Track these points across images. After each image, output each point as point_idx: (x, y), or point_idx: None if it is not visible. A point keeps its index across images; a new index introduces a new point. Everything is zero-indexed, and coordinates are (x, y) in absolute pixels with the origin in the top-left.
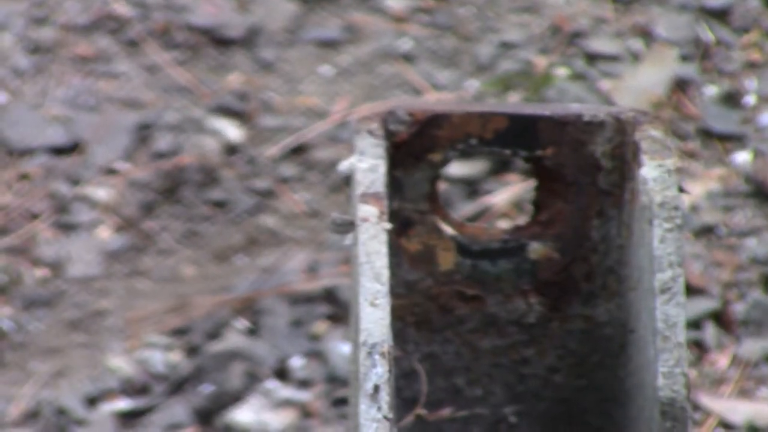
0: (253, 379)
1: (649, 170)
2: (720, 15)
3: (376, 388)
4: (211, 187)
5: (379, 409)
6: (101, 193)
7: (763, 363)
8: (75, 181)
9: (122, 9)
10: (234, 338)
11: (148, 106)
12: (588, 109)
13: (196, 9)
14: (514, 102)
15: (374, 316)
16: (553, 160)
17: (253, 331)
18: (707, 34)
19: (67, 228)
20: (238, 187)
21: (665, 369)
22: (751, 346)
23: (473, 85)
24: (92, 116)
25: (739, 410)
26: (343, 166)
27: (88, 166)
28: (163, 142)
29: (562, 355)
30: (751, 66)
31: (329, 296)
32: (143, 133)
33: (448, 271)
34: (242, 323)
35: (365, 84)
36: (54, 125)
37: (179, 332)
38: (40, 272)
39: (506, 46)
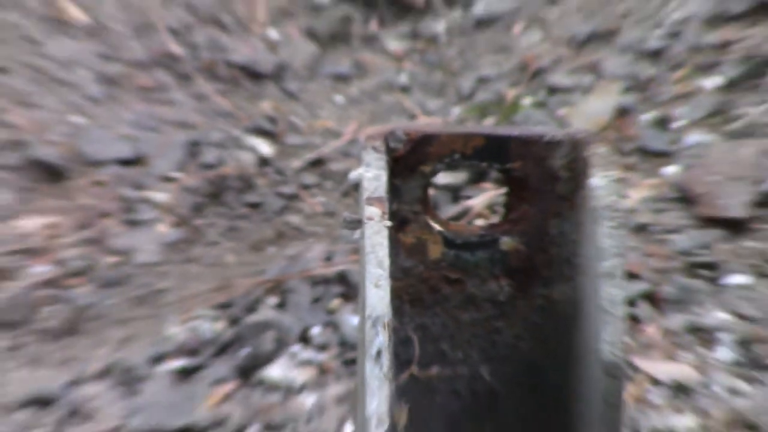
0: (281, 344)
1: (597, 180)
2: (655, 55)
3: (379, 353)
4: (247, 192)
5: (381, 368)
6: (160, 196)
7: (684, 333)
8: (138, 187)
9: (176, 48)
10: (266, 312)
11: (197, 127)
12: (548, 131)
13: (235, 49)
14: (489, 125)
15: (377, 296)
16: (520, 171)
17: (281, 306)
18: (645, 71)
19: (132, 224)
20: (269, 192)
21: (608, 337)
22: (675, 320)
23: (456, 111)
24: (152, 135)
25: (664, 370)
26: (353, 175)
27: (149, 175)
28: (209, 155)
29: (526, 326)
30: (679, 97)
31: (342, 279)
32: (193, 148)
33: (436, 260)
34: (273, 300)
35: (370, 110)
36: (122, 142)
37: (223, 306)
38: (112, 259)
39: (483, 81)
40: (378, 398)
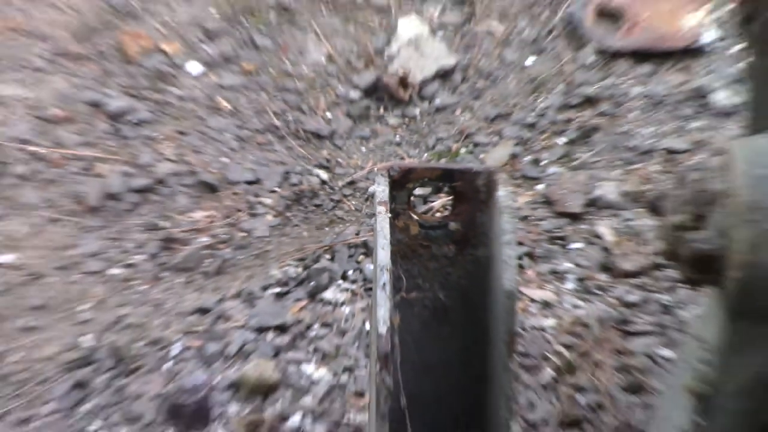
0: (331, 279)
1: (500, 192)
2: (531, 126)
3: (384, 285)
4: (314, 198)
5: (385, 293)
6: (268, 200)
7: (548, 274)
8: (257, 195)
9: (277, 122)
10: (324, 262)
11: (288, 164)
12: (474, 166)
13: (308, 122)
14: (443, 163)
15: (383, 254)
16: (460, 188)
17: (331, 259)
18: (526, 134)
19: (253, 215)
20: (326, 199)
21: (507, 277)
22: (543, 267)
23: (426, 156)
24: (264, 168)
25: (538, 295)
26: (371, 189)
27: (262, 189)
28: (294, 179)
29: (464, 271)
30: (544, 148)
31: (365, 245)
32: (286, 175)
33: (415, 235)
34: (327, 256)
35: (380, 155)
36: (248, 172)
37: (301, 259)
38: (241, 234)
39: (439, 140)
40: (383, 309)
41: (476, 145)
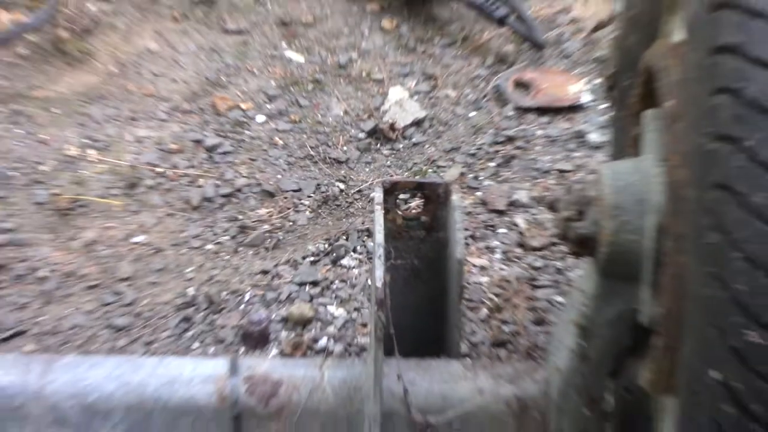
0: (346, 252)
1: (454, 197)
2: (473, 155)
3: (380, 255)
4: (335, 201)
5: (381, 260)
6: (306, 201)
7: (484, 248)
8: (299, 199)
9: (313, 153)
10: (342, 241)
11: (319, 179)
12: (438, 180)
13: (332, 152)
14: (418, 179)
15: (379, 236)
16: (428, 194)
17: (347, 239)
18: (470, 160)
19: (296, 211)
20: (342, 201)
21: (458, 250)
22: (480, 244)
23: (406, 174)
24: (304, 181)
25: (477, 263)
26: (372, 195)
27: (303, 195)
28: (323, 188)
29: (430, 247)
30: (480, 168)
31: (368, 230)
32: (318, 186)
33: (400, 224)
34: (343, 237)
35: (377, 174)
36: (294, 183)
37: (327, 239)
38: (289, 223)
39: (415, 164)
40: (379, 271)
41: (438, 167)
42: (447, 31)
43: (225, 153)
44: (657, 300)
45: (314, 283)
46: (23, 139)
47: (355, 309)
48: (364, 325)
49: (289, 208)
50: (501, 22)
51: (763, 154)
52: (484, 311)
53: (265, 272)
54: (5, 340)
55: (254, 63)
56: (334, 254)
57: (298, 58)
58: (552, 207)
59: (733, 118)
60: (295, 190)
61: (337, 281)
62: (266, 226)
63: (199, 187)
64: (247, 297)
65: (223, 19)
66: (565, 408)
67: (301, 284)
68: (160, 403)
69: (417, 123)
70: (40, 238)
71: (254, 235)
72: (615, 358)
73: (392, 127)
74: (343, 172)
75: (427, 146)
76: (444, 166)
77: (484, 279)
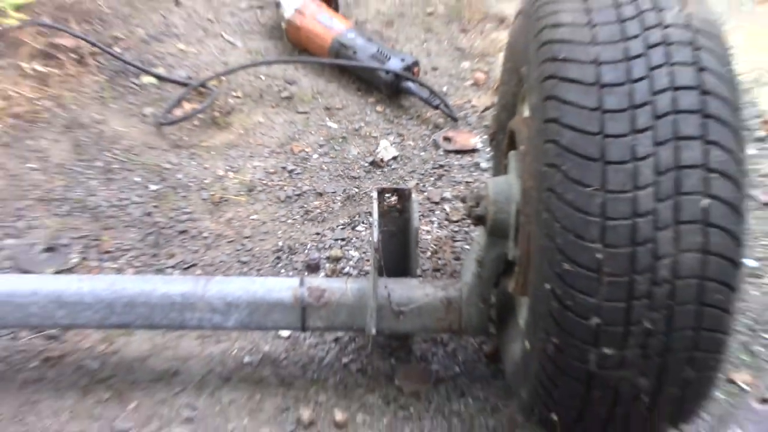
0: (359, 223)
1: (413, 196)
2: (422, 175)
3: (376, 226)
4: (354, 198)
5: (377, 229)
6: (338, 198)
7: (428, 221)
8: (334, 197)
9: (341, 173)
10: (357, 218)
11: (345, 187)
12: (405, 187)
13: (351, 173)
14: (395, 186)
15: (375, 215)
16: (400, 194)
17: (359, 218)
18: (420, 177)
19: (333, 203)
20: (357, 198)
21: (415, 222)
22: (426, 219)
23: (388, 184)
24: (336, 187)
25: (423, 228)
26: (372, 194)
27: (336, 195)
28: (347, 192)
29: (402, 221)
30: (426, 182)
31: (370, 213)
32: (344, 191)
33: (386, 210)
34: (357, 217)
35: (375, 184)
36: (330, 189)
37: (350, 217)
38: (329, 209)
39: (393, 179)
40: (376, 233)
41: (405, 180)
42: (409, 112)
43: (297, 173)
44: (517, 247)
45: (342, 239)
46: (196, 167)
47: (364, 252)
48: (367, 261)
49: (329, 202)
50: (436, 107)
51: (570, 173)
52: (429, 253)
53: (317, 233)
54: (186, 269)
55: (312, 128)
56: (352, 224)
57: (334, 125)
58: (463, 200)
59: (554, 155)
60: (332, 192)
61: (354, 238)
62: (318, 210)
63: (284, 191)
64: (308, 246)
65: (296, 106)
66: (470, 303)
67: (336, 239)
68: (264, 300)
69: (394, 158)
70: (204, 217)
71: (312, 215)
72: (496, 277)
73: (381, 160)
74: (357, 183)
75: (399, 170)
76: (407, 180)
77: (428, 237)
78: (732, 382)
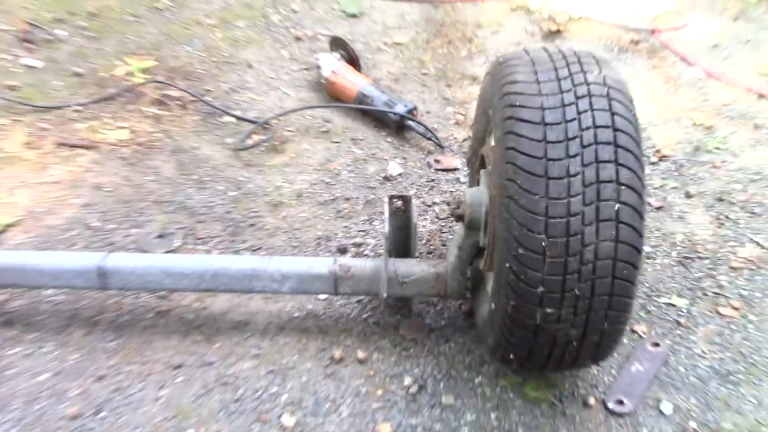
0: (377, 217)
1: (413, 200)
2: (419, 186)
3: (387, 221)
4: (371, 203)
5: (387, 223)
6: (361, 201)
7: (423, 219)
8: (358, 202)
9: (362, 184)
10: (376, 215)
11: (365, 194)
12: (407, 194)
13: (370, 184)
14: (400, 194)
15: (386, 213)
16: (403, 199)
17: (375, 214)
18: (416, 189)
19: (357, 204)
20: (374, 203)
21: (414, 218)
22: (422, 218)
23: (395, 192)
24: (359, 194)
25: (420, 223)
26: (383, 200)
27: (358, 200)
28: (367, 198)
29: (405, 218)
30: (423, 192)
31: (381, 212)
32: (365, 197)
33: (393, 210)
34: (374, 215)
35: (387, 193)
36: (355, 195)
37: (368, 215)
38: (359, 205)
39: (399, 189)
40: (387, 226)
41: (407, 190)
42: (410, 142)
43: (332, 184)
44: (486, 237)
45: (363, 231)
46: (261, 180)
47: (378, 240)
48: (381, 246)
49: (354, 204)
50: (429, 139)
51: (524, 185)
52: (423, 241)
53: (345, 227)
54: (254, 251)
55: (342, 153)
56: (370, 220)
57: (358, 151)
58: (448, 204)
59: (512, 172)
60: (356, 198)
61: (371, 230)
62: (346, 210)
63: (322, 196)
64: (339, 236)
65: (331, 138)
66: (453, 276)
67: (359, 231)
68: (308, 273)
69: (399, 174)
70: (266, 214)
71: (342, 214)
72: (471, 258)
73: (390, 176)
74: (373, 191)
75: (403, 183)
76: (409, 189)
77: (423, 230)
78: (634, 331)
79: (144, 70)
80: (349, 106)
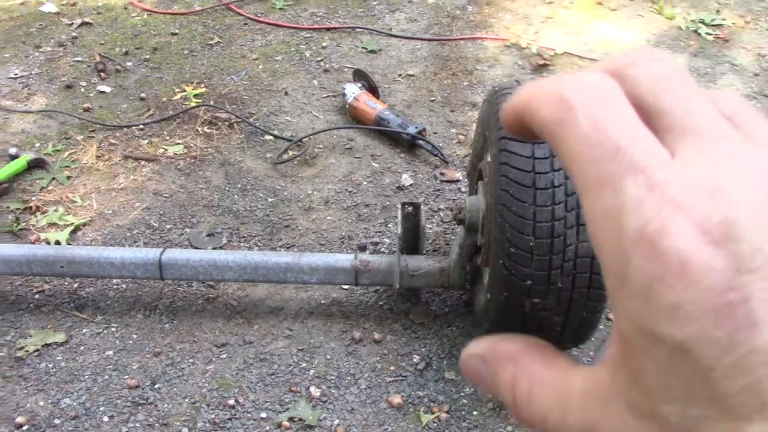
0: (394, 214)
1: (422, 207)
2: (427, 196)
3: (400, 222)
4: (388, 209)
5: (400, 225)
6: (378, 206)
7: (431, 223)
8: (376, 207)
9: (379, 193)
10: (392, 217)
11: (382, 201)
12: (417, 201)
13: (386, 193)
14: (412, 201)
15: (400, 217)
16: (414, 205)
17: (391, 217)
18: (424, 198)
19: (373, 211)
20: (390, 209)
21: (423, 222)
22: (429, 222)
23: (407, 199)
24: (379, 203)
25: (427, 226)
26: (397, 206)
27: (376, 207)
28: (383, 205)
29: (415, 220)
30: (428, 200)
31: (395, 216)
32: (382, 204)
33: (406, 215)
34: (392, 214)
35: (400, 200)
36: (375, 202)
37: (384, 219)
38: (378, 208)
39: (408, 197)
40: (400, 228)
41: (417, 198)
42: (420, 158)
43: (354, 193)
44: (483, 238)
45: (380, 232)
46: (295, 188)
47: (392, 240)
48: (395, 245)
49: (372, 210)
50: (435, 155)
51: (515, 195)
52: (430, 241)
53: (365, 228)
54: (288, 248)
55: (363, 167)
56: (386, 223)
57: (376, 165)
58: (451, 210)
59: (505, 184)
60: (374, 204)
61: (387, 232)
62: (366, 215)
63: (346, 203)
64: (359, 236)
65: (354, 154)
66: (455, 270)
67: (376, 232)
68: (334, 267)
69: (410, 185)
70: (299, 218)
71: (362, 218)
72: (470, 255)
73: (403, 186)
74: (388, 199)
75: (413, 192)
76: (419, 197)
77: (430, 231)
78: (609, 319)
79: (197, 96)
80: (369, 127)
